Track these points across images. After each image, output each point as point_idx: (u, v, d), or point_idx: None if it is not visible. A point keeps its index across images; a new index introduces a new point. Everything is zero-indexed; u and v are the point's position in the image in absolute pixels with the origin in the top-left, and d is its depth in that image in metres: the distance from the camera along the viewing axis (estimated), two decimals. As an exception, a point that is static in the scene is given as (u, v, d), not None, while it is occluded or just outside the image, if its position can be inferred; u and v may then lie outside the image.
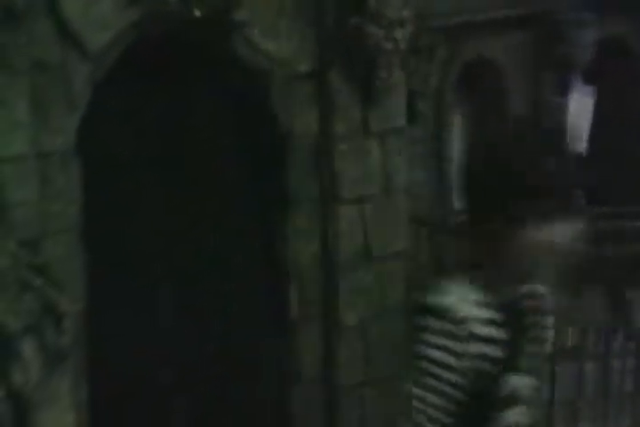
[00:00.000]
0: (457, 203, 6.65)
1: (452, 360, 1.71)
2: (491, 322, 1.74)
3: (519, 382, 1.79)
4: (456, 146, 6.71)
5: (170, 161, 4.41)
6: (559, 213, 1.72)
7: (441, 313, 1.72)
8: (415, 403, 1.75)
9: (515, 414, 1.80)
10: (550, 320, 1.91)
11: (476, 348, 1.72)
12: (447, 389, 1.71)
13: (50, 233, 3.53)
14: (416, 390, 1.74)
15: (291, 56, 4.26)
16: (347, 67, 4.38)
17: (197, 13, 3.90)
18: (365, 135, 4.43)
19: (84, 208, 3.74)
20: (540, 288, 1.85)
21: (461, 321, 1.71)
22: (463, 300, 1.73)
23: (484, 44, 6.39)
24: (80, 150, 3.77)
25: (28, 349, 3.10)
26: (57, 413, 3.36)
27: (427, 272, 5.43)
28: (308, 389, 4.56)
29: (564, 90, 6.84)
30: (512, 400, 1.79)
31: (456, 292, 1.75)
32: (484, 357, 1.73)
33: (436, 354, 1.71)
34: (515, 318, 1.80)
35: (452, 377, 1.71)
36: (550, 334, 1.97)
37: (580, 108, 6.92)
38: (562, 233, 1.73)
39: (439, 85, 5.93)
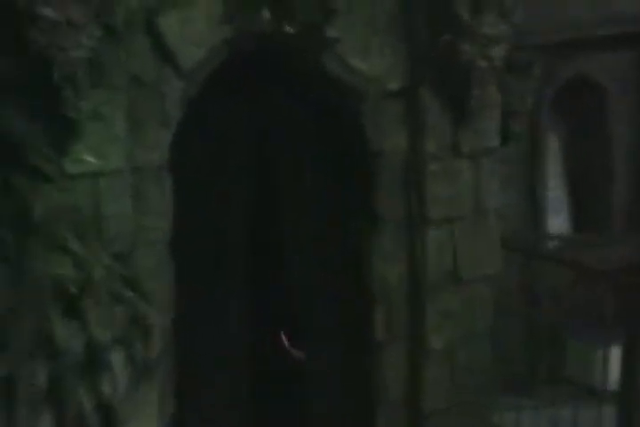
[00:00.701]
0: (551, 227, 6.67)
1: None
2: None
3: None
4: (551, 169, 6.72)
5: (256, 177, 4.58)
6: None
7: None
8: None
9: None
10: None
11: None
12: None
13: (141, 246, 3.70)
14: None
15: (382, 73, 4.36)
16: (438, 85, 4.46)
17: (289, 30, 4.05)
18: (456, 155, 4.50)
19: (174, 222, 3.93)
20: None
21: None
22: None
23: (586, 62, 6.38)
24: (171, 165, 3.97)
25: (117, 361, 3.26)
26: (143, 424, 3.52)
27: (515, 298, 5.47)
28: (391, 411, 4.63)
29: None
30: None
31: None
32: None
33: None
34: None
35: None
36: None
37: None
38: None
39: (535, 105, 5.96)
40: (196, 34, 3.88)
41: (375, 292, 4.59)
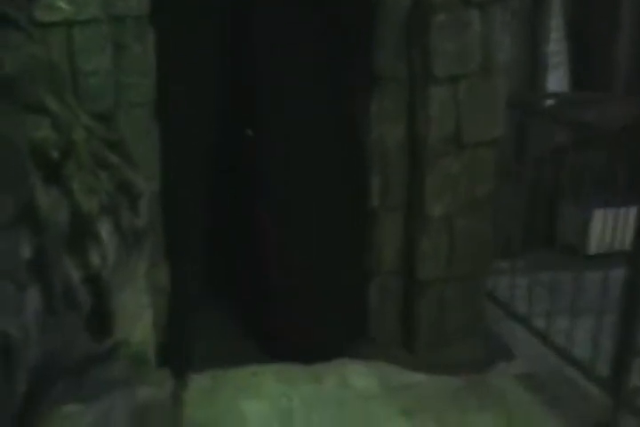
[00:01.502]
0: (550, 84, 6.47)
1: None
2: None
3: None
4: (553, 21, 6.44)
5: (242, 28, 4.29)
6: None
7: None
8: None
9: None
10: None
11: None
12: None
13: (124, 106, 3.49)
14: None
15: None
16: None
17: None
18: (465, 5, 4.22)
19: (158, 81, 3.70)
20: None
21: None
22: None
23: None
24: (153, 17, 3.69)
25: (105, 230, 3.11)
26: (133, 294, 3.42)
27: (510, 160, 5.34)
28: (385, 281, 4.59)
29: None
30: None
31: None
32: None
33: None
34: None
35: None
36: None
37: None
38: None
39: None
40: None
41: (371, 156, 4.45)
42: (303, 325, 4.54)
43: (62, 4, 3.37)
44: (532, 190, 5.74)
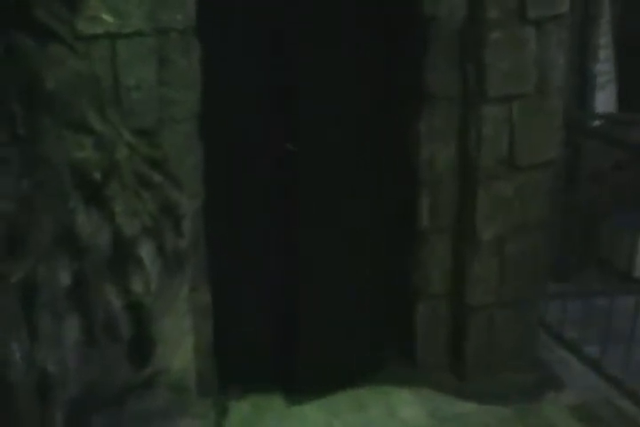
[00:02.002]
0: (599, 105, 6.21)
1: None
2: None
3: None
4: (603, 40, 6.18)
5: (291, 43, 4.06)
6: None
7: None
8: None
9: None
10: None
11: None
12: None
13: (167, 122, 3.29)
14: None
15: None
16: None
17: None
18: (521, 22, 3.97)
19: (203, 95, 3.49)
20: None
21: None
22: None
23: None
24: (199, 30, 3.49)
25: (147, 254, 2.89)
26: (175, 320, 3.20)
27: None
28: (433, 305, 4.34)
29: None
30: None
31: None
32: None
33: None
34: None
35: None
36: None
37: None
38: None
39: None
40: None
41: (421, 176, 4.20)
42: (346, 349, 4.31)
43: (106, 17, 3.17)
44: (578, 212, 5.50)
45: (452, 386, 4.28)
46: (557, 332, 4.69)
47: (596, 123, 6.28)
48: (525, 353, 4.42)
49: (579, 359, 4.51)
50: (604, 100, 6.35)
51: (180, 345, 3.35)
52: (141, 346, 2.91)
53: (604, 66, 6.25)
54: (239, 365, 4.11)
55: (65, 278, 2.45)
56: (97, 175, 2.69)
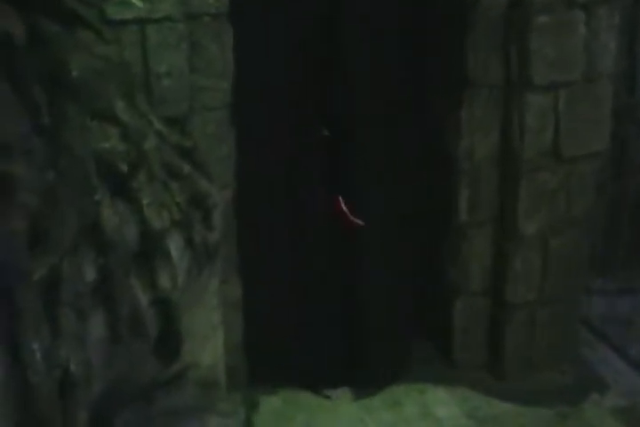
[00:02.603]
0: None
1: None
2: None
3: None
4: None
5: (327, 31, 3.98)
6: None
7: None
8: None
9: None
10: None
11: None
12: None
13: (198, 110, 3.24)
14: None
15: None
16: None
17: None
18: (569, 5, 3.85)
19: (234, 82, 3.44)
20: None
21: None
22: None
23: None
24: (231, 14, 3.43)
25: (176, 248, 2.85)
26: (204, 314, 3.17)
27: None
28: (472, 301, 4.27)
29: None
30: None
31: None
32: None
33: None
34: None
35: None
36: None
37: None
38: None
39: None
40: None
41: (460, 167, 4.11)
42: (382, 344, 4.26)
43: (136, 1, 3.13)
44: (625, 205, 5.37)
45: (490, 386, 4.21)
46: (601, 330, 4.58)
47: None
48: (567, 352, 4.34)
49: (623, 359, 4.41)
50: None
51: (210, 340, 3.32)
52: (169, 342, 2.88)
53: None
54: (270, 360, 4.08)
55: (90, 274, 2.41)
56: (123, 166, 2.65)
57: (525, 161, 3.99)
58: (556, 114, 3.97)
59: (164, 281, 2.76)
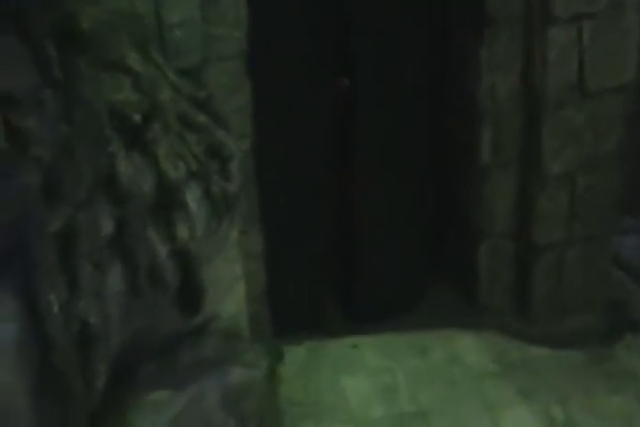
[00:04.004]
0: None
1: None
2: None
3: None
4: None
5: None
6: None
7: None
8: None
9: None
10: None
11: None
12: None
13: (213, 61, 3.29)
14: None
15: None
16: None
17: None
18: None
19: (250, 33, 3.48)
20: None
21: None
22: None
23: None
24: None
25: (193, 199, 2.93)
26: (224, 265, 3.26)
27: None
28: (497, 244, 4.33)
29: None
30: None
31: None
32: None
33: None
34: None
35: None
36: None
37: None
38: None
39: None
40: None
41: (482, 107, 4.14)
42: (406, 288, 4.36)
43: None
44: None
45: (519, 330, 4.28)
46: (634, 270, 4.63)
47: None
48: (598, 294, 4.39)
49: (658, 299, 4.46)
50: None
51: (232, 291, 3.41)
52: (190, 293, 2.98)
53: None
54: (294, 310, 4.19)
55: (107, 226, 2.49)
56: (137, 117, 2.72)
57: (549, 98, 4.00)
58: (579, 47, 3.97)
59: (182, 232, 2.84)
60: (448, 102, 4.30)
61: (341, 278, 4.40)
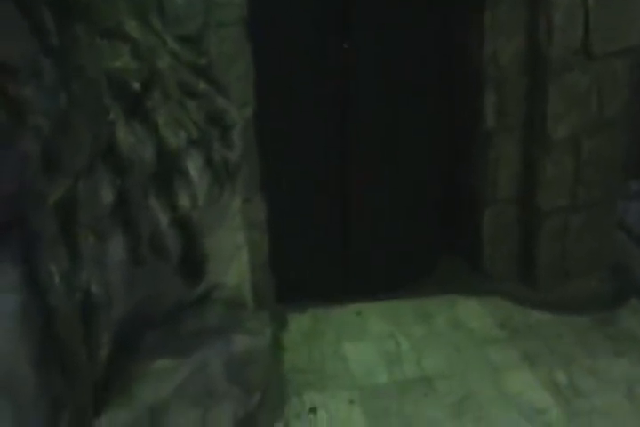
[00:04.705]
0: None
1: None
2: None
3: None
4: None
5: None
6: None
7: None
8: None
9: None
10: None
11: None
12: None
13: (213, 27, 3.26)
14: None
15: None
16: None
17: None
18: None
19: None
20: None
21: None
22: None
23: None
24: None
25: (194, 167, 2.92)
26: (227, 233, 3.26)
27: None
28: (501, 210, 4.33)
29: None
30: None
31: None
32: None
33: None
34: None
35: None
36: None
37: None
38: None
39: None
40: None
41: (485, 72, 4.11)
42: (408, 254, 4.36)
43: None
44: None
45: (523, 296, 4.29)
46: (639, 235, 4.62)
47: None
48: (603, 259, 4.40)
49: (662, 263, 4.46)
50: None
51: (235, 260, 3.42)
52: (193, 262, 2.98)
53: None
54: (297, 278, 4.20)
55: (107, 196, 2.49)
56: (136, 85, 2.71)
57: (554, 61, 3.98)
58: (585, 9, 3.93)
59: (183, 201, 2.84)
60: (451, 67, 4.26)
61: (344, 246, 4.39)
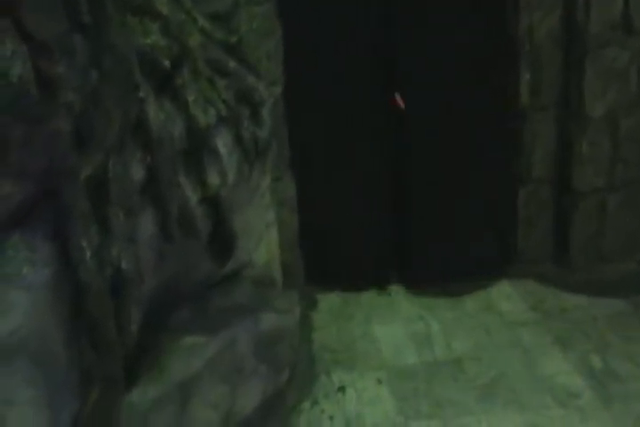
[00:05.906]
0: None
1: None
2: None
3: None
4: None
5: None
6: None
7: None
8: None
9: None
10: None
11: None
12: None
13: (243, 4, 3.34)
14: None
15: None
16: None
17: None
18: None
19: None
20: None
21: None
22: None
23: None
24: None
25: (224, 145, 3.01)
26: (257, 211, 3.36)
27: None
28: (536, 190, 4.38)
29: None
30: None
31: None
32: None
33: None
34: None
35: None
36: None
37: None
38: None
39: None
40: None
41: (520, 48, 4.16)
42: (445, 238, 4.43)
43: None
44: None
45: (557, 278, 4.35)
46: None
47: None
48: (639, 241, 4.44)
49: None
50: None
51: (264, 238, 3.52)
52: (222, 240, 3.08)
53: None
54: (329, 258, 4.29)
55: (137, 173, 2.58)
56: (166, 62, 2.80)
57: (592, 36, 4.01)
58: (624, -18, 3.97)
59: (213, 178, 2.94)
60: (486, 44, 4.30)
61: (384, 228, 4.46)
